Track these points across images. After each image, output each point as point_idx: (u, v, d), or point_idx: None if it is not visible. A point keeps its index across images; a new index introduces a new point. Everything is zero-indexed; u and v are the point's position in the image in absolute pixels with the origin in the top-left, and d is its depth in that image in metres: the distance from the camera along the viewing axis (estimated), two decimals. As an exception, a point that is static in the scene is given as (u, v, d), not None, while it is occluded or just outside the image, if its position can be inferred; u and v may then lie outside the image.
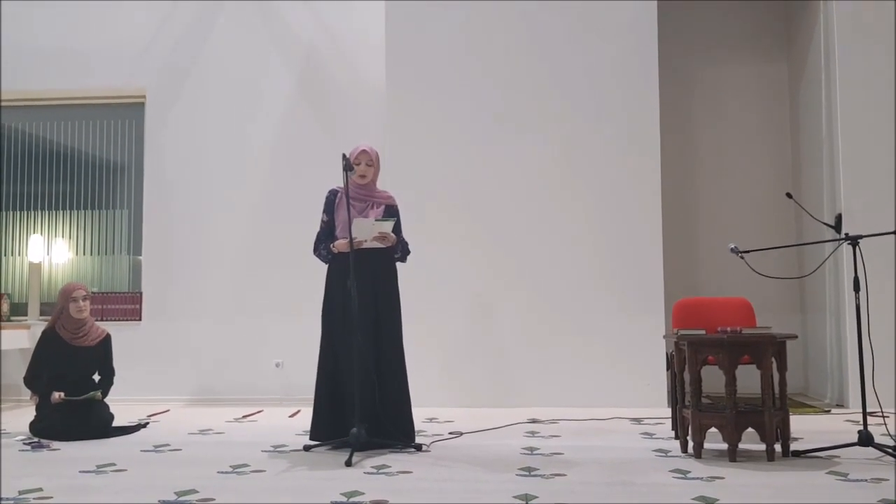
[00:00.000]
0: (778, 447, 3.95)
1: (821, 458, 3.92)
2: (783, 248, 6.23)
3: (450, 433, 4.76)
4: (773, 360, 3.98)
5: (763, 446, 3.92)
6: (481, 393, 5.95)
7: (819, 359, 6.34)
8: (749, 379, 4.36)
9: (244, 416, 5.69)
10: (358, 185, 4.48)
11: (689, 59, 7.03)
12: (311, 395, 4.44)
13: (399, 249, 4.53)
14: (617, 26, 6.17)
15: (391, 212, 4.55)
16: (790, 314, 6.69)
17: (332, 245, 4.42)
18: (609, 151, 6.11)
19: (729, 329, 4.02)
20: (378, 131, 6.27)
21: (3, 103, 7.22)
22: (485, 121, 6.20)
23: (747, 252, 4.36)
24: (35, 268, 6.82)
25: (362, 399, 4.14)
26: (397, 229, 4.51)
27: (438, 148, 6.20)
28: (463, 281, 6.10)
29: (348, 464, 3.84)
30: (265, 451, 4.28)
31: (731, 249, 4.35)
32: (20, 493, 3.33)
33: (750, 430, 3.92)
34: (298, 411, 5.74)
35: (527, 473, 3.65)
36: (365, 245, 4.32)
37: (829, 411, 5.67)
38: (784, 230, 6.81)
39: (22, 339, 6.31)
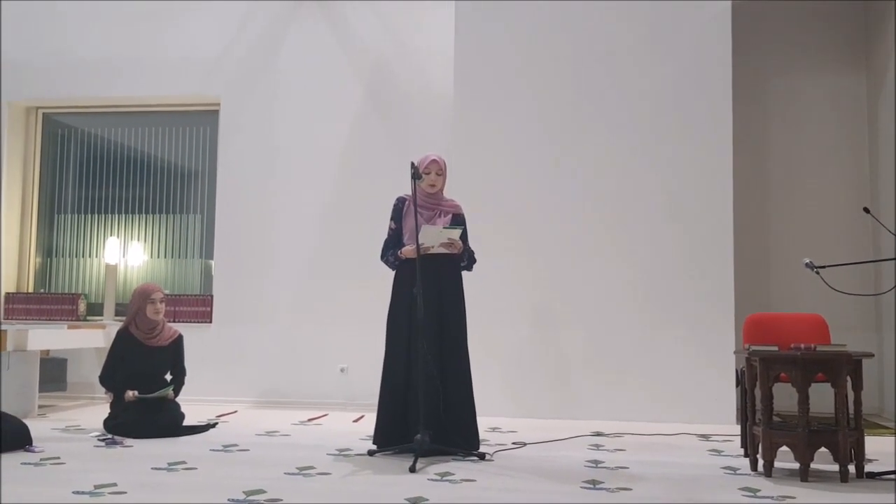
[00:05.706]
0: (851, 468, 3.84)
1: (898, 481, 3.80)
2: (859, 264, 6.04)
3: (513, 443, 4.75)
4: (848, 378, 3.88)
5: (836, 467, 3.81)
6: (544, 404, 5.92)
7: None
8: (820, 398, 4.24)
9: (310, 420, 5.77)
10: (426, 194, 4.52)
11: (764, 70, 6.88)
12: (375, 401, 4.48)
13: (466, 258, 4.56)
14: (689, 38, 6.08)
15: (458, 220, 4.57)
16: (866, 332, 6.48)
17: (399, 251, 4.46)
18: (680, 164, 6.02)
19: (803, 346, 3.92)
20: (445, 140, 6.30)
21: (85, 110, 7.51)
22: (551, 132, 6.18)
23: (822, 267, 4.24)
24: (111, 269, 7.02)
25: (427, 405, 4.16)
26: (464, 238, 4.54)
27: (504, 158, 6.20)
28: (527, 291, 6.08)
29: (412, 470, 3.86)
30: (330, 455, 4.33)
31: (807, 264, 4.24)
32: (95, 487, 3.44)
33: (822, 450, 3.82)
34: (362, 416, 5.79)
35: (591, 486, 3.62)
36: (432, 251, 4.34)
37: (905, 433, 5.49)
38: (860, 245, 6.61)
39: (98, 338, 6.49)
